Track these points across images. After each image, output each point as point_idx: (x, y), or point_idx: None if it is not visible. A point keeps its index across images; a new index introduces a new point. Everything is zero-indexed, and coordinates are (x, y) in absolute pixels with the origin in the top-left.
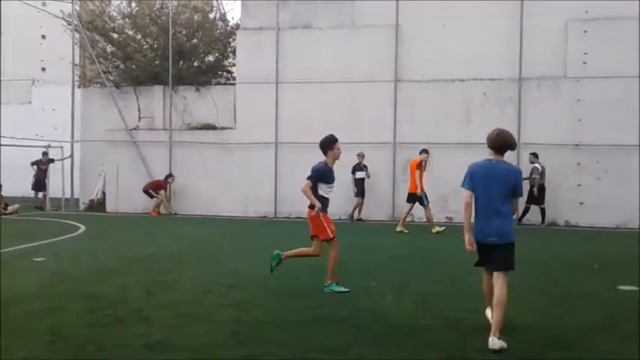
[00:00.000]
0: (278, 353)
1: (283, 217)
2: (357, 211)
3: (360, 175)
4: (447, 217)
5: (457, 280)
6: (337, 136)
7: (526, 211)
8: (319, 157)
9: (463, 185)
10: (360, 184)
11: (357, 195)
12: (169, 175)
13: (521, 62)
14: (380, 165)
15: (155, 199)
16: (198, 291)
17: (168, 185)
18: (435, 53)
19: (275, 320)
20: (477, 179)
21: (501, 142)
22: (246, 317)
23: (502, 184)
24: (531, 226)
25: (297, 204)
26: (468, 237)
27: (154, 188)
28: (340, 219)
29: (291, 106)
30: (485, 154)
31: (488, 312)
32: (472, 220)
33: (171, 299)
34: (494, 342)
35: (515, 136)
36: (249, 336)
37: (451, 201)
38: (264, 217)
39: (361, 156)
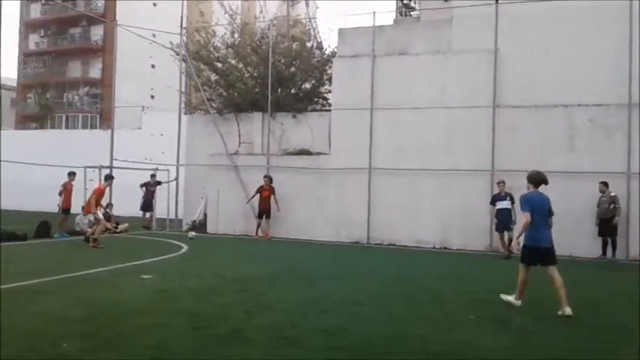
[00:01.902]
0: None
1: (375, 244)
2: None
3: (502, 205)
4: None
5: (560, 316)
6: (432, 163)
7: (606, 243)
8: (414, 183)
9: (524, 209)
10: (503, 215)
11: (497, 229)
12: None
13: (631, 86)
14: (476, 193)
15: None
16: (293, 314)
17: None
18: (536, 77)
19: (370, 349)
20: (533, 204)
21: (541, 179)
22: (341, 343)
23: (545, 207)
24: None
25: (390, 230)
26: (518, 242)
27: None
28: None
29: (385, 132)
30: (591, 183)
31: (516, 300)
32: None
33: (269, 321)
34: (568, 310)
35: (625, 164)
36: None
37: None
38: (357, 242)
39: (502, 184)
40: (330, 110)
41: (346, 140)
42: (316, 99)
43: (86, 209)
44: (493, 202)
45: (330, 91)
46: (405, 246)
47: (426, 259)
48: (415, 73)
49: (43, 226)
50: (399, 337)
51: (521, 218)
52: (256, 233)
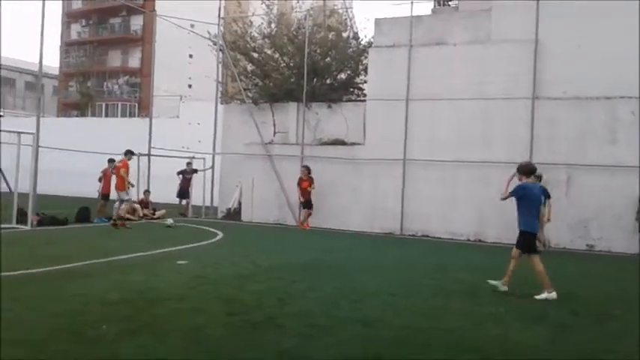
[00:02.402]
0: None
1: (409, 235)
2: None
3: None
4: (587, 245)
5: (598, 314)
6: (468, 154)
7: None
8: (449, 175)
9: (514, 195)
10: None
11: None
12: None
13: None
14: (512, 186)
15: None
16: (327, 303)
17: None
18: (577, 69)
19: (404, 341)
20: (527, 193)
21: (531, 169)
22: (374, 335)
23: (539, 197)
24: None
25: (423, 222)
26: None
27: None
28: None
29: (420, 123)
30: (632, 177)
31: (503, 286)
32: None
33: (303, 309)
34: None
35: None
36: (377, 355)
37: (592, 227)
38: (390, 233)
39: (537, 178)
40: (365, 100)
41: (381, 131)
42: (351, 89)
43: (119, 186)
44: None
45: (365, 82)
46: (439, 238)
47: (460, 251)
48: (453, 64)
49: (83, 212)
50: (432, 329)
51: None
52: (301, 223)
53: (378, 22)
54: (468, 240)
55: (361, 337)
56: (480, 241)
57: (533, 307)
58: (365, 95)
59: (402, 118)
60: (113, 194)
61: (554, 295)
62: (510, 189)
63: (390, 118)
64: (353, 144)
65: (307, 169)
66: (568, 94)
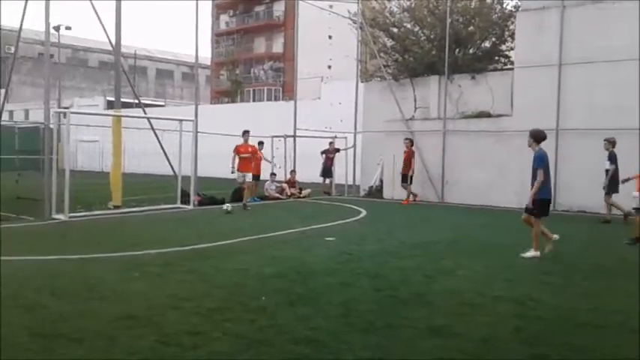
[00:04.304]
0: (569, 357)
1: (562, 210)
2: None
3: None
4: None
5: None
6: (631, 121)
7: None
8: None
9: (540, 166)
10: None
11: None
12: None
13: None
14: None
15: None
16: (477, 281)
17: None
18: None
19: (562, 322)
20: (545, 161)
21: (543, 136)
22: (529, 313)
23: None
24: None
25: (580, 196)
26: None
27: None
28: None
29: (575, 89)
30: None
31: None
32: None
33: (451, 287)
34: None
35: None
36: (533, 334)
37: None
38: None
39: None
40: (512, 69)
41: (531, 100)
42: (497, 58)
43: (242, 168)
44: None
45: (512, 49)
46: (597, 213)
47: (620, 226)
48: (612, 23)
49: (238, 192)
50: (593, 310)
51: (538, 175)
52: (407, 199)
53: None
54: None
55: (515, 315)
56: None
57: None
58: (512, 63)
59: (555, 85)
60: (263, 175)
61: (538, 254)
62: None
63: (541, 85)
64: (499, 116)
65: (410, 142)
66: None
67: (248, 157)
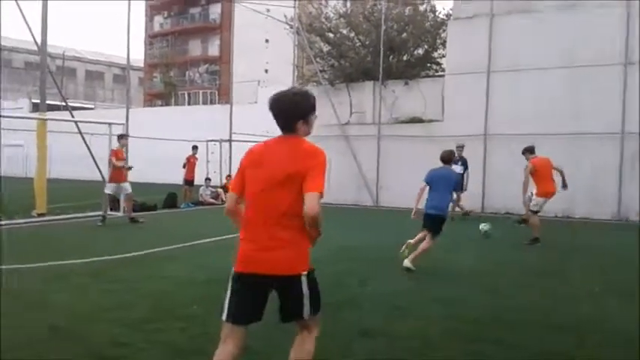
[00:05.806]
0: (499, 354)
1: (490, 213)
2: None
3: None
4: None
5: None
6: (555, 127)
7: None
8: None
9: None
10: None
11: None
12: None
13: None
14: (604, 158)
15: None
16: (409, 285)
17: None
18: None
19: (490, 319)
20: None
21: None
22: (457, 313)
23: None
24: None
25: (506, 200)
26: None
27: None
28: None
29: (502, 96)
30: None
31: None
32: None
33: (382, 292)
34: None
35: None
36: (466, 332)
37: None
38: (471, 211)
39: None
40: (443, 75)
41: (460, 106)
42: (429, 64)
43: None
44: None
45: (443, 56)
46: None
47: (549, 229)
48: (538, 32)
49: (171, 198)
50: (519, 309)
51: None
52: None
53: None
54: (556, 216)
55: (447, 316)
56: (568, 217)
57: (629, 285)
58: (443, 70)
59: (483, 92)
60: (197, 180)
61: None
62: None
63: (471, 91)
64: (431, 121)
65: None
66: None
67: (122, 165)
